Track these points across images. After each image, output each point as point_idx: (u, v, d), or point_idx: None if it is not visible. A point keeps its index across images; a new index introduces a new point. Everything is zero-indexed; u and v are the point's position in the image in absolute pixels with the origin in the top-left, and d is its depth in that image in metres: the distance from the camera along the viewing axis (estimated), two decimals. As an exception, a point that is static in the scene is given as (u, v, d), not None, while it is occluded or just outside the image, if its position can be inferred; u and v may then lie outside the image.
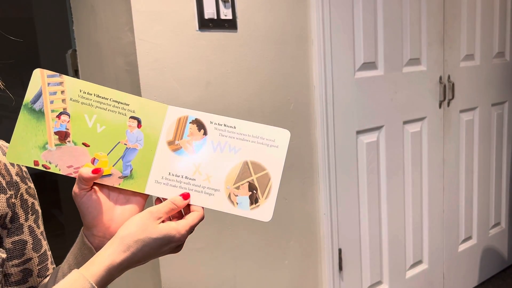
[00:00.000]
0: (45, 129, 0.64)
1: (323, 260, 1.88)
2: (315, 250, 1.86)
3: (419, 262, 2.25)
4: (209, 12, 1.43)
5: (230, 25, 1.49)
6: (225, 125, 0.68)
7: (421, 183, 2.18)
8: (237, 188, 0.67)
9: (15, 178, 0.69)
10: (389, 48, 1.93)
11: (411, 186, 2.13)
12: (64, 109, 0.64)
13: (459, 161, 2.36)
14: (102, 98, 0.65)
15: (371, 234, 2.01)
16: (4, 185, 0.67)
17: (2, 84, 0.68)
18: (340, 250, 1.90)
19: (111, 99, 0.66)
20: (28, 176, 0.73)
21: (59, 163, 0.64)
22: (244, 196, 0.67)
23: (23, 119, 0.63)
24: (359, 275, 2.00)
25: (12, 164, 0.69)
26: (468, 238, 2.50)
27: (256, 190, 0.67)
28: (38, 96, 0.63)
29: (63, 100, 0.64)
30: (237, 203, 0.66)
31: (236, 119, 0.68)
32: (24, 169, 0.72)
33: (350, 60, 1.81)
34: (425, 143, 2.16)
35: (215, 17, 1.45)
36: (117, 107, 0.66)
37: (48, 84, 0.64)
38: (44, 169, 0.64)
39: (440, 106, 2.19)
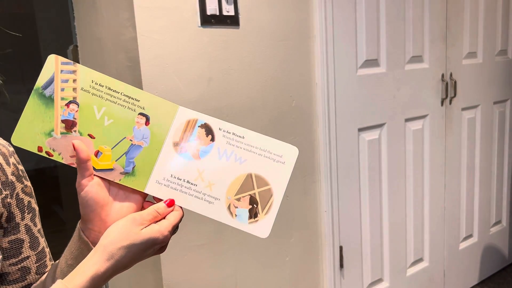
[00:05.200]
0: (52, 116, 0.63)
1: (324, 258, 1.88)
2: (316, 248, 1.86)
3: (420, 259, 2.25)
4: (212, 8, 1.42)
5: (233, 21, 1.48)
6: (234, 133, 0.67)
7: (422, 181, 2.18)
8: (238, 199, 0.65)
9: (11, 177, 0.68)
10: (392, 45, 1.92)
11: (412, 184, 2.13)
12: (74, 98, 0.63)
13: (460, 159, 2.35)
14: (114, 91, 0.64)
15: (372, 231, 2.01)
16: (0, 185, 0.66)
17: (1, 79, 0.67)
18: (341, 248, 1.90)
19: (122, 93, 0.65)
20: (25, 174, 0.72)
21: (63, 151, 0.63)
22: (243, 209, 0.65)
23: (32, 104, 0.62)
24: (360, 273, 2.00)
25: (8, 164, 0.68)
26: (469, 236, 2.50)
27: (257, 205, 0.65)
28: (50, 82, 0.63)
29: (74, 89, 0.63)
30: (235, 215, 0.65)
31: (246, 129, 0.67)
32: (21, 167, 0.71)
33: (352, 57, 1.80)
34: (427, 141, 2.15)
35: (217, 13, 1.44)
36: (127, 102, 0.65)
37: (61, 71, 0.63)
38: (47, 156, 0.63)
39: (442, 104, 2.18)
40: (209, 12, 1.42)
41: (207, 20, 1.42)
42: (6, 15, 4.02)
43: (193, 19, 1.40)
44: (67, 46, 1.87)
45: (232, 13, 1.47)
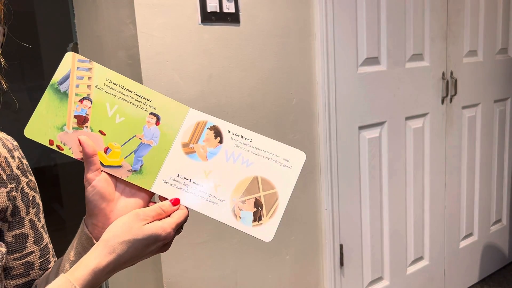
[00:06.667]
0: (66, 111, 0.64)
1: (324, 256, 1.88)
2: (316, 246, 1.86)
3: (420, 258, 2.25)
4: (212, 5, 1.42)
5: (233, 18, 1.48)
6: (242, 136, 0.67)
7: (422, 179, 2.18)
8: (243, 202, 0.66)
9: (16, 171, 0.68)
10: (392, 43, 1.92)
11: (412, 182, 2.13)
12: (88, 94, 0.65)
13: (461, 158, 2.35)
14: (127, 90, 0.66)
15: (372, 230, 2.00)
16: (5, 178, 0.66)
17: (5, 85, 0.68)
18: (341, 246, 1.89)
19: (135, 93, 0.66)
20: (29, 169, 0.72)
21: (73, 146, 0.65)
22: (248, 211, 0.65)
23: (47, 98, 0.64)
24: (360, 271, 2.00)
25: (13, 157, 0.68)
26: (469, 234, 2.50)
27: (262, 208, 0.65)
28: (66, 78, 0.65)
29: (89, 86, 0.65)
30: (240, 217, 0.65)
31: (254, 133, 0.67)
32: (25, 162, 0.71)
33: (353, 55, 1.80)
34: (427, 139, 2.15)
35: (218, 11, 1.44)
36: (139, 101, 0.66)
37: (77, 68, 0.65)
38: (57, 149, 0.65)
39: (442, 102, 2.18)
40: (209, 9, 1.42)
41: (208, 17, 1.42)
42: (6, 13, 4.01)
43: (194, 16, 1.40)
44: (67, 44, 1.87)
45: (232, 10, 1.47)
